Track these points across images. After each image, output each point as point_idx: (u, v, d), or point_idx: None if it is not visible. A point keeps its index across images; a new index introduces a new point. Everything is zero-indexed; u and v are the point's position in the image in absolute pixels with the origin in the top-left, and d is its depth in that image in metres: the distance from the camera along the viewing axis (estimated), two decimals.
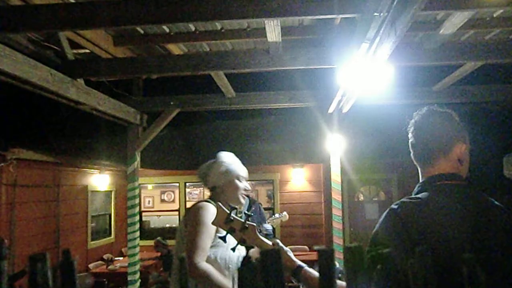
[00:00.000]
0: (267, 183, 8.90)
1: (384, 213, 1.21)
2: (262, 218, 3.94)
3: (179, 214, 8.61)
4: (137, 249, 4.56)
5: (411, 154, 1.32)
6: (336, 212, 4.30)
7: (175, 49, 4.11)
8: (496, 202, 1.22)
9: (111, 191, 8.02)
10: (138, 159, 4.54)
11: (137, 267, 4.52)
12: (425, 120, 1.28)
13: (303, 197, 8.24)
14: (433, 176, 1.24)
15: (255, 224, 1.68)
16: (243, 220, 1.62)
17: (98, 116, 5.44)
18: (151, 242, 7.74)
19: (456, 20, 2.44)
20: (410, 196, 1.23)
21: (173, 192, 12.14)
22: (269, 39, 2.87)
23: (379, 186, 7.92)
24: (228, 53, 3.39)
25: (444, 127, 1.26)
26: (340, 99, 3.56)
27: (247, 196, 4.07)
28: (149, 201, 11.24)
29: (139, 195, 8.71)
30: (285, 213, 3.73)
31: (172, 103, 4.46)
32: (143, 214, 8.88)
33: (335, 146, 4.30)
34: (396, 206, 1.19)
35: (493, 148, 3.24)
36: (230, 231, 1.66)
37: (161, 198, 11.99)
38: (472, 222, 1.11)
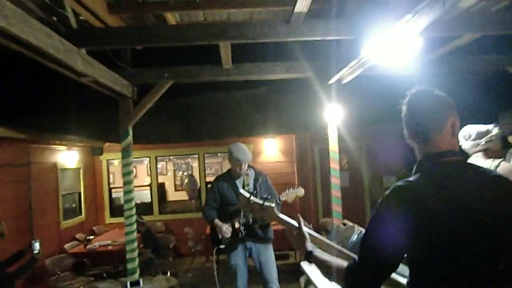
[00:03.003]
0: None
1: (387, 191, 1.27)
2: (271, 190, 3.94)
3: (151, 190, 8.44)
4: (134, 226, 4.45)
5: (405, 133, 1.38)
6: (335, 180, 4.49)
7: (172, 18, 3.92)
8: (493, 172, 1.35)
9: (79, 168, 7.62)
10: (131, 133, 4.35)
11: (135, 244, 4.42)
12: (416, 99, 1.34)
13: (277, 167, 8.40)
14: (432, 154, 1.29)
15: (273, 206, 1.80)
16: (261, 203, 1.76)
17: (69, 90, 5.09)
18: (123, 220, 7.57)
19: None
20: (406, 180, 1.28)
21: (135, 167, 11.83)
22: (297, 9, 2.84)
23: (350, 154, 8.27)
24: (246, 23, 3.30)
25: (435, 104, 1.31)
26: (347, 70, 3.65)
27: (252, 167, 4.08)
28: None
29: (108, 171, 8.42)
30: (300, 188, 3.77)
31: (166, 74, 4.29)
32: (113, 190, 8.58)
33: (333, 116, 4.44)
34: (388, 192, 1.26)
35: (485, 112, 3.57)
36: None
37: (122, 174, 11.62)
38: (467, 196, 1.20)
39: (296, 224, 1.65)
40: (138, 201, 9.60)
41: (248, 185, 3.92)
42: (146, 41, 3.29)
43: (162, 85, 4.35)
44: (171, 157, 11.48)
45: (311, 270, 3.40)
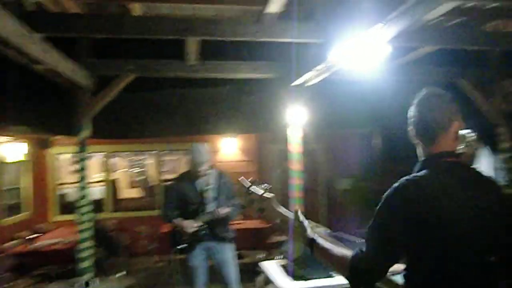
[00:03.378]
0: None
1: (388, 191, 1.34)
2: (232, 190, 3.94)
3: (103, 187, 8.09)
4: (89, 223, 4.24)
5: (413, 132, 1.46)
6: (296, 181, 4.55)
7: (136, 9, 3.78)
8: (484, 173, 1.47)
9: (24, 162, 7.13)
10: (89, 126, 4.14)
11: (89, 243, 4.21)
12: (426, 101, 1.42)
13: (236, 166, 8.35)
14: (435, 154, 1.38)
15: (272, 195, 1.81)
16: (260, 193, 1.78)
17: (14, 77, 4.74)
18: (73, 217, 7.19)
19: (443, 8, 2.70)
20: (414, 175, 1.36)
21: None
22: (269, 10, 2.84)
23: (307, 156, 8.41)
24: (218, 21, 3.25)
25: (443, 107, 1.39)
26: (314, 73, 3.70)
27: (214, 167, 4.04)
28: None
29: (56, 166, 7.96)
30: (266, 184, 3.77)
31: (129, 67, 4.13)
32: (61, 187, 8.12)
33: (296, 117, 4.49)
34: (398, 184, 1.33)
35: None
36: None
37: (70, 169, 11.05)
38: (467, 195, 1.31)
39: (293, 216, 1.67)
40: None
41: (209, 185, 3.88)
42: (110, 31, 3.13)
43: (123, 78, 4.18)
44: (125, 153, 11.10)
45: (271, 269, 3.44)
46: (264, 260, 4.18)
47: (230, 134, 7.62)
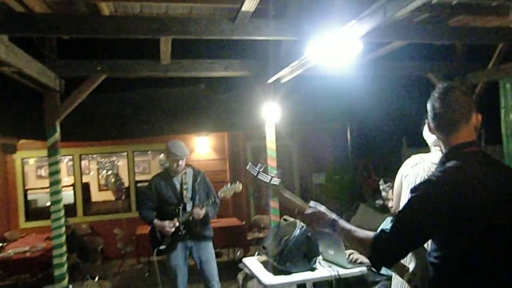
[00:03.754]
0: None
1: (424, 183, 1.42)
2: (209, 188, 3.98)
3: (74, 190, 7.85)
4: (62, 229, 4.11)
5: (433, 125, 1.51)
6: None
7: (105, 8, 3.68)
8: (503, 162, 1.56)
9: None
10: (59, 130, 4.01)
11: (64, 248, 4.09)
12: (448, 94, 1.48)
13: (209, 165, 8.32)
14: (458, 145, 1.45)
15: (278, 183, 1.86)
16: (267, 180, 1.84)
17: None
18: (42, 223, 6.97)
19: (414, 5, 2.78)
20: (445, 166, 1.42)
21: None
22: (244, 8, 2.84)
23: (281, 153, 8.48)
24: (191, 19, 3.21)
25: (464, 100, 1.46)
26: (288, 70, 3.74)
27: (190, 166, 4.04)
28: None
29: (22, 171, 7.66)
30: (238, 183, 3.80)
31: (99, 68, 4.02)
32: (28, 192, 7.82)
33: (271, 114, 4.52)
34: (433, 177, 1.40)
35: (412, 112, 3.91)
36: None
37: (36, 174, 10.65)
38: (496, 182, 1.39)
39: (301, 203, 1.74)
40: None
41: (186, 183, 3.88)
42: (81, 31, 3.03)
43: (94, 79, 4.07)
44: (95, 155, 10.80)
45: (252, 265, 3.45)
46: (243, 257, 4.19)
47: (207, 132, 7.57)
